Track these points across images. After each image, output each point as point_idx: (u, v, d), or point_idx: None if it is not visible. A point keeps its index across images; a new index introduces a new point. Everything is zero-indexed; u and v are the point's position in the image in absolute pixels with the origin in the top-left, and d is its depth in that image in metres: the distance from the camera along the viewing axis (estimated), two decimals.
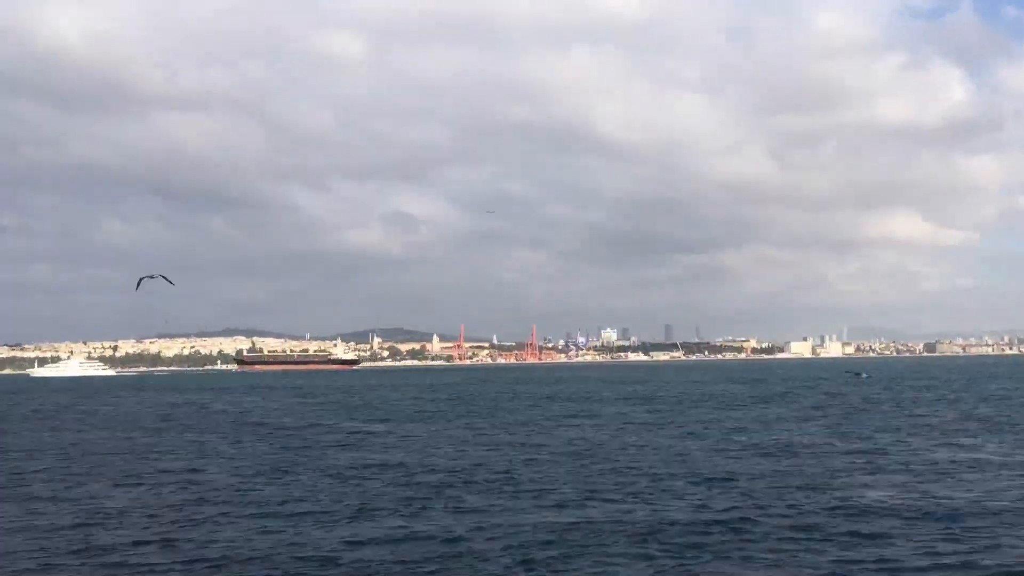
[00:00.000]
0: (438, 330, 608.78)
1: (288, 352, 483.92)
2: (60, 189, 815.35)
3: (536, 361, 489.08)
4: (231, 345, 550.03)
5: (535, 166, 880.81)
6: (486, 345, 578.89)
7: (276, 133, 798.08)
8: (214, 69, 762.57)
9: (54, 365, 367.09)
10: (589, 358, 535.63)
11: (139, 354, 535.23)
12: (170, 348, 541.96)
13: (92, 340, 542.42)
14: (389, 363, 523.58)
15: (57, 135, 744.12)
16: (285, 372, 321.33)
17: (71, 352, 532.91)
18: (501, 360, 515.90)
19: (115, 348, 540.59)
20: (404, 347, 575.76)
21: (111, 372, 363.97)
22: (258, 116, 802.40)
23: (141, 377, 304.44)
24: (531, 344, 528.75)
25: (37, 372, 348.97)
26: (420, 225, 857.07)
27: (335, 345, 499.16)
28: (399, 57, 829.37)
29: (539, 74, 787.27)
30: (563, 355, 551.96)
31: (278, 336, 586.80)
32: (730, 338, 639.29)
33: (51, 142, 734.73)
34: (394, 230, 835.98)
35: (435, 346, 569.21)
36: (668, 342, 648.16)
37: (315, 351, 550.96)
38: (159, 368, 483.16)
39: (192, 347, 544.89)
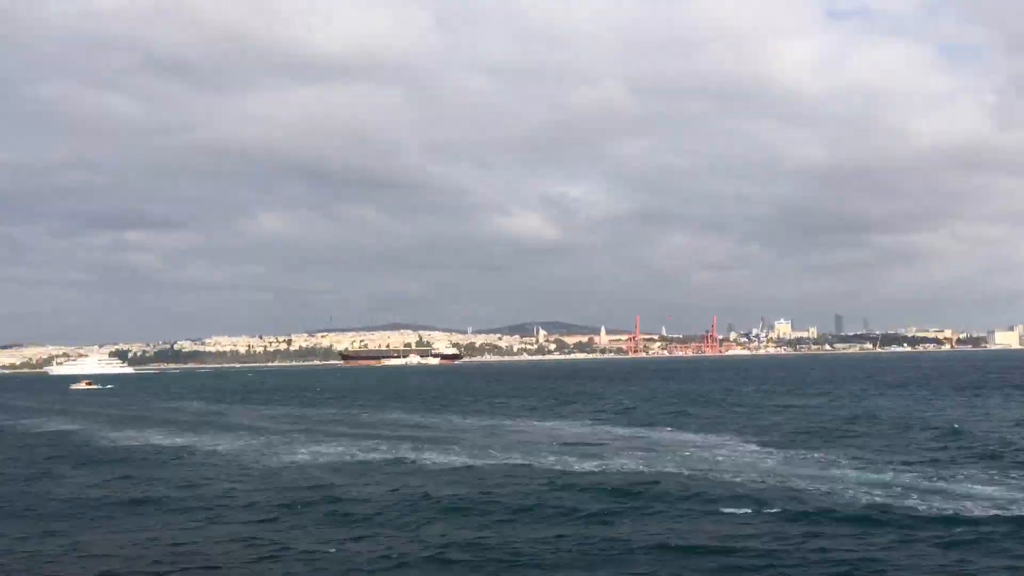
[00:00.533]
0: (592, 322, 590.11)
1: (409, 347, 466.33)
2: (208, 176, 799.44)
3: (716, 354, 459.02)
4: (399, 339, 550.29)
5: (703, 135, 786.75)
6: (656, 337, 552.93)
7: (429, 104, 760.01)
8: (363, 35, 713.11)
9: (73, 362, 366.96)
10: (772, 350, 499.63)
11: (311, 348, 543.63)
12: (340, 342, 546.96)
13: (243, 334, 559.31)
14: (556, 356, 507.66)
15: (205, 116, 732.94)
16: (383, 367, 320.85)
17: (249, 346, 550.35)
18: (679, 353, 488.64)
19: (289, 342, 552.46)
20: (570, 339, 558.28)
21: (129, 370, 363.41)
22: (409, 85, 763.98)
23: (157, 376, 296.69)
24: (711, 336, 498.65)
25: (55, 370, 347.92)
26: (578, 208, 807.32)
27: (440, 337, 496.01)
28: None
29: (710, 23, 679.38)
30: (741, 347, 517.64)
31: (444, 330, 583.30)
32: (921, 328, 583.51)
33: (200, 124, 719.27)
34: (551, 214, 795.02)
35: (603, 338, 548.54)
36: (843, 334, 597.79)
37: (482, 343, 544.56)
38: (205, 366, 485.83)
39: (361, 341, 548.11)
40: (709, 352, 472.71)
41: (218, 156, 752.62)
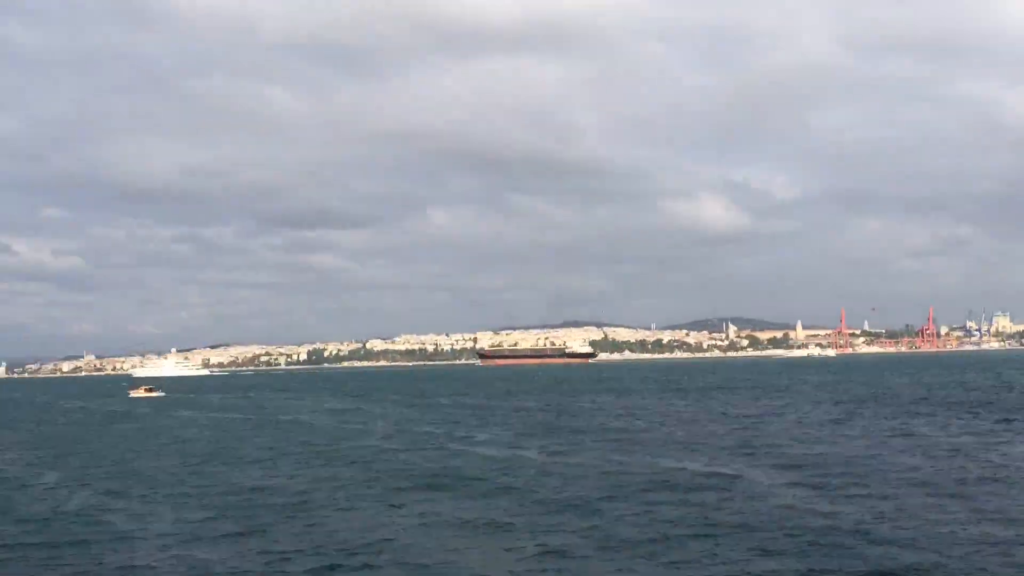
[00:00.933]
0: (783, 316, 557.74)
1: (542, 347, 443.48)
2: (379, 169, 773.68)
3: (936, 350, 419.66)
4: (581, 335, 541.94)
5: (913, 102, 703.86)
6: (858, 332, 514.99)
7: (608, 77, 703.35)
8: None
9: (154, 365, 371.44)
10: (996, 345, 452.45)
11: (498, 344, 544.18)
12: (525, 339, 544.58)
13: (430, 332, 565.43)
14: (750, 353, 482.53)
15: (368, 104, 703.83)
16: (519, 367, 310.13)
17: (436, 344, 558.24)
18: (890, 349, 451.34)
19: (475, 340, 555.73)
20: (763, 335, 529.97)
21: (204, 372, 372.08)
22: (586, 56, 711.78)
23: (229, 377, 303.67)
24: (925, 330, 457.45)
25: (139, 372, 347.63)
26: (767, 191, 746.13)
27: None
28: None
29: None
30: (956, 342, 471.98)
31: (628, 327, 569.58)
32: None
33: (365, 113, 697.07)
34: (737, 198, 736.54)
35: (799, 333, 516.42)
36: None
37: (669, 340, 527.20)
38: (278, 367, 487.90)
39: (546, 338, 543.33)
40: (925, 348, 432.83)
41: (385, 146, 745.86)
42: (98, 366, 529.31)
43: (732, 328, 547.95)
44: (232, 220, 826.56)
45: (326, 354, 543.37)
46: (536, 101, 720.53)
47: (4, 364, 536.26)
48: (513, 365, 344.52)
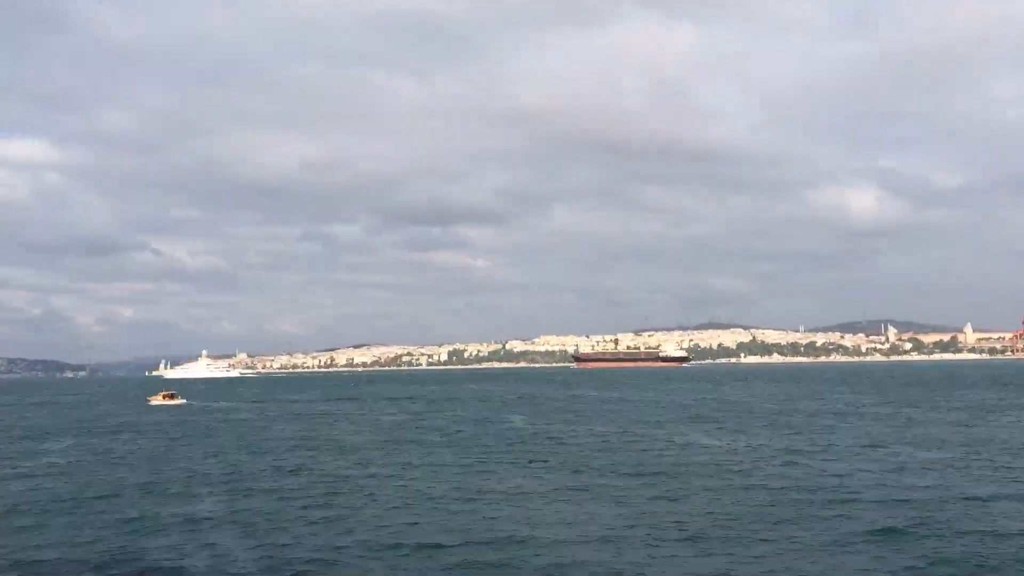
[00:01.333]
0: (946, 318, 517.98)
1: (636, 350, 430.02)
2: (494, 158, 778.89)
3: None
4: (730, 338, 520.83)
5: None
6: None
7: (739, 40, 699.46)
8: None
9: (184, 367, 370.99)
10: None
11: (638, 348, 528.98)
12: (668, 341, 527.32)
13: (570, 334, 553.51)
14: (915, 357, 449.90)
15: (480, 85, 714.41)
16: (612, 370, 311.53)
17: (576, 346, 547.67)
18: None
19: (616, 341, 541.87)
20: (927, 338, 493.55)
21: (235, 374, 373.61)
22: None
23: (255, 379, 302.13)
24: None
25: (169, 374, 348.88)
26: (926, 178, 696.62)
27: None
28: None
29: None
30: None
31: (776, 328, 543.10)
32: None
33: (476, 95, 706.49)
34: (892, 186, 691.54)
35: (969, 336, 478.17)
36: None
37: (823, 342, 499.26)
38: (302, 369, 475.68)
39: (691, 340, 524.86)
40: None
41: (501, 133, 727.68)
42: (249, 364, 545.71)
43: (892, 330, 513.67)
44: (357, 217, 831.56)
45: (466, 355, 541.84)
46: (665, 74, 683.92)
47: (164, 362, 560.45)
48: (608, 368, 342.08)
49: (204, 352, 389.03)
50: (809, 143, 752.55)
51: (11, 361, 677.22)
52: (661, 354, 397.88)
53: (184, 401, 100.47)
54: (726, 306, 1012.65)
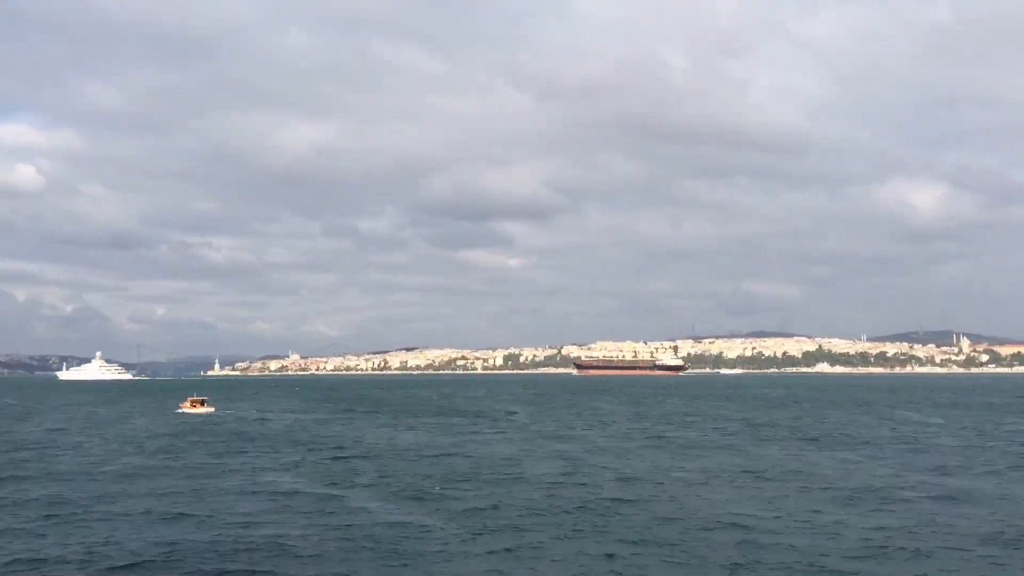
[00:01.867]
0: (1002, 331, 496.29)
1: (635, 359, 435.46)
2: (530, 139, 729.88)
3: None
4: (795, 346, 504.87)
5: None
6: None
7: None
8: None
9: (80, 368, 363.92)
10: None
11: (700, 354, 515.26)
12: (731, 348, 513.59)
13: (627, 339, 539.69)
14: (992, 370, 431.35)
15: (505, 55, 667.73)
16: (610, 377, 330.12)
17: (635, 352, 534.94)
18: None
19: (676, 348, 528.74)
20: (1004, 350, 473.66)
21: (127, 376, 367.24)
22: None
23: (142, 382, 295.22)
24: None
25: (64, 375, 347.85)
26: (1000, 171, 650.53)
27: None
28: None
29: None
30: None
31: (843, 338, 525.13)
32: None
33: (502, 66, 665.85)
34: (963, 180, 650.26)
35: None
36: None
37: (895, 352, 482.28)
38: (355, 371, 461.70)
39: (754, 348, 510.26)
40: None
41: (533, 111, 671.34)
42: (303, 366, 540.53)
43: (965, 341, 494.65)
44: (383, 209, 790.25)
45: (522, 359, 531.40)
46: (711, 42, 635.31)
47: (217, 363, 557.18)
48: (607, 376, 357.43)
49: (98, 353, 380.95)
50: (874, 131, 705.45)
51: (64, 359, 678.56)
52: (658, 363, 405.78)
53: (212, 409, 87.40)
54: (772, 312, 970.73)
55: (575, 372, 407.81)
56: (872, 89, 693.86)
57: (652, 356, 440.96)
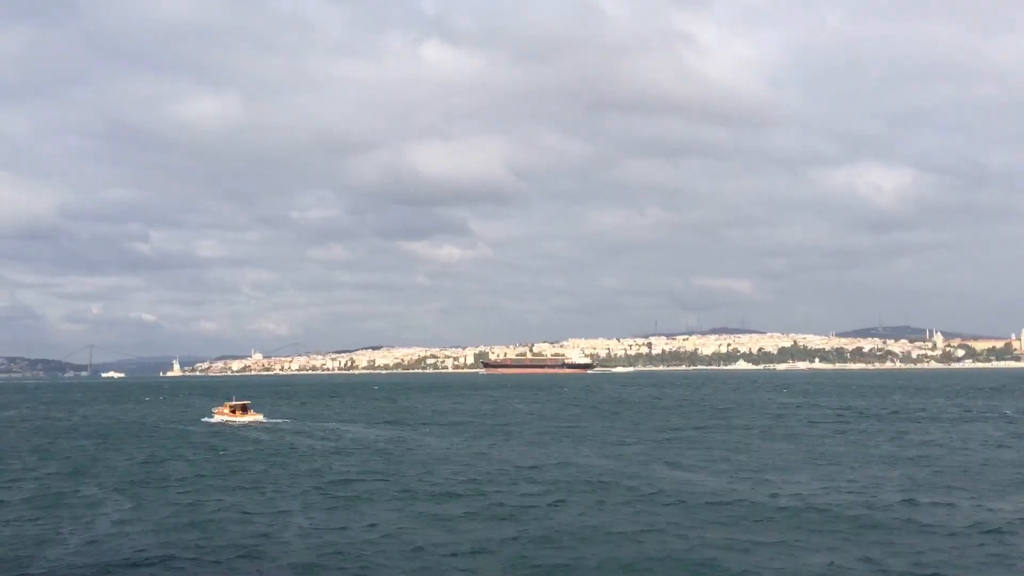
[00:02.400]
0: (985, 324, 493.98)
1: (542, 357, 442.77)
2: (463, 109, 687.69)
3: None
4: (770, 342, 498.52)
5: None
6: None
7: None
8: None
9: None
10: None
11: (674, 351, 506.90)
12: (706, 345, 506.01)
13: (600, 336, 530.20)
14: (970, 365, 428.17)
15: None
16: (518, 375, 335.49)
17: (608, 349, 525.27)
18: None
19: (649, 345, 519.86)
20: (980, 345, 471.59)
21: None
22: None
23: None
24: None
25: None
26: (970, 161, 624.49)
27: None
28: None
29: None
30: None
31: (815, 334, 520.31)
32: None
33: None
34: (924, 164, 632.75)
35: None
36: None
37: (871, 348, 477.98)
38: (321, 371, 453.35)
39: (728, 344, 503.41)
40: None
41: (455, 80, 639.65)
42: (267, 365, 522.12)
43: (938, 335, 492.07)
44: (315, 195, 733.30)
45: (492, 357, 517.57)
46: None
47: (177, 363, 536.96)
48: (517, 374, 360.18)
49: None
50: (836, 107, 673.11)
51: (11, 360, 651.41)
52: (567, 361, 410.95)
53: (260, 416, 72.34)
54: (730, 308, 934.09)
55: (482, 371, 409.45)
56: (838, 58, 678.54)
57: (559, 355, 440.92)
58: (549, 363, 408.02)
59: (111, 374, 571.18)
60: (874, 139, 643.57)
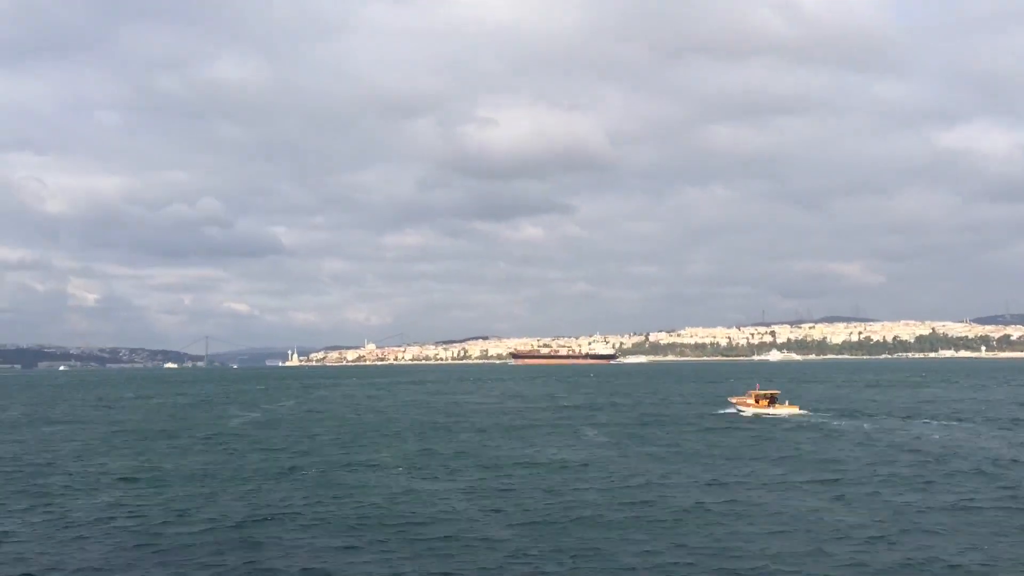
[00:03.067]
0: None
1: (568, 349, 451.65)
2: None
3: None
4: (905, 330, 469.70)
5: None
6: None
7: None
8: None
9: None
10: None
11: (801, 339, 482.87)
12: (835, 334, 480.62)
13: (732, 325, 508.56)
14: None
15: None
16: (543, 366, 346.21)
17: (729, 338, 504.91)
18: None
19: (773, 333, 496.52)
20: None
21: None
22: None
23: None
24: None
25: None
26: None
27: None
28: None
29: None
30: None
31: (955, 321, 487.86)
32: None
33: None
34: None
35: None
36: None
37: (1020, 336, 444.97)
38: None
39: (860, 333, 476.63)
40: None
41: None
42: (380, 356, 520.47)
43: None
44: (375, 165, 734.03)
45: (593, 348, 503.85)
46: None
47: (295, 353, 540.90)
48: (543, 365, 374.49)
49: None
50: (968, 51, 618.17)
51: (133, 351, 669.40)
52: (590, 352, 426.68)
53: (797, 408, 62.01)
54: (838, 295, 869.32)
55: (511, 362, 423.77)
56: None
57: (618, 347, 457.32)
58: (575, 355, 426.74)
59: (233, 365, 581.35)
60: (1007, 91, 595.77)
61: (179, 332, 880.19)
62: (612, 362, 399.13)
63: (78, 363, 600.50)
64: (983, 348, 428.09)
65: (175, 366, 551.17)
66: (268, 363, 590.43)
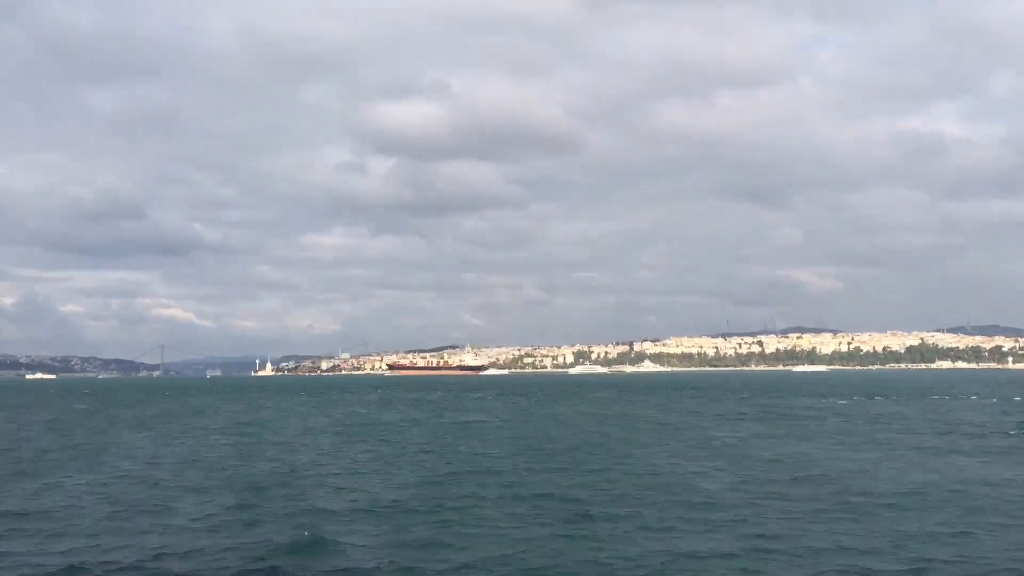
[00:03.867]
0: None
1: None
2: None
3: None
4: (895, 341, 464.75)
5: None
6: None
7: None
8: None
9: None
10: None
11: (789, 349, 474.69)
12: (824, 344, 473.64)
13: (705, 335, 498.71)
14: None
15: None
16: (411, 377, 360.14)
17: (716, 348, 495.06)
18: None
19: (760, 343, 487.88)
20: None
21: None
22: None
23: None
24: None
25: None
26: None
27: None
28: None
29: None
30: None
31: (943, 331, 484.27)
32: None
33: None
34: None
35: None
36: None
37: (1011, 347, 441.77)
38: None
39: (849, 343, 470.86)
40: None
41: None
42: (356, 364, 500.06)
43: None
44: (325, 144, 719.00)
45: (593, 356, 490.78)
46: None
47: (268, 362, 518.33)
48: (414, 375, 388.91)
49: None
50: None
51: (85, 360, 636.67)
52: (460, 364, 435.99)
53: None
54: (798, 306, 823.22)
55: (387, 373, 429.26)
56: None
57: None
58: (444, 367, 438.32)
59: (216, 372, 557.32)
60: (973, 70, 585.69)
61: (113, 339, 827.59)
62: (481, 374, 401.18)
63: (27, 372, 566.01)
64: (976, 361, 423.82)
65: (218, 373, 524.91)
66: (253, 373, 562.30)
